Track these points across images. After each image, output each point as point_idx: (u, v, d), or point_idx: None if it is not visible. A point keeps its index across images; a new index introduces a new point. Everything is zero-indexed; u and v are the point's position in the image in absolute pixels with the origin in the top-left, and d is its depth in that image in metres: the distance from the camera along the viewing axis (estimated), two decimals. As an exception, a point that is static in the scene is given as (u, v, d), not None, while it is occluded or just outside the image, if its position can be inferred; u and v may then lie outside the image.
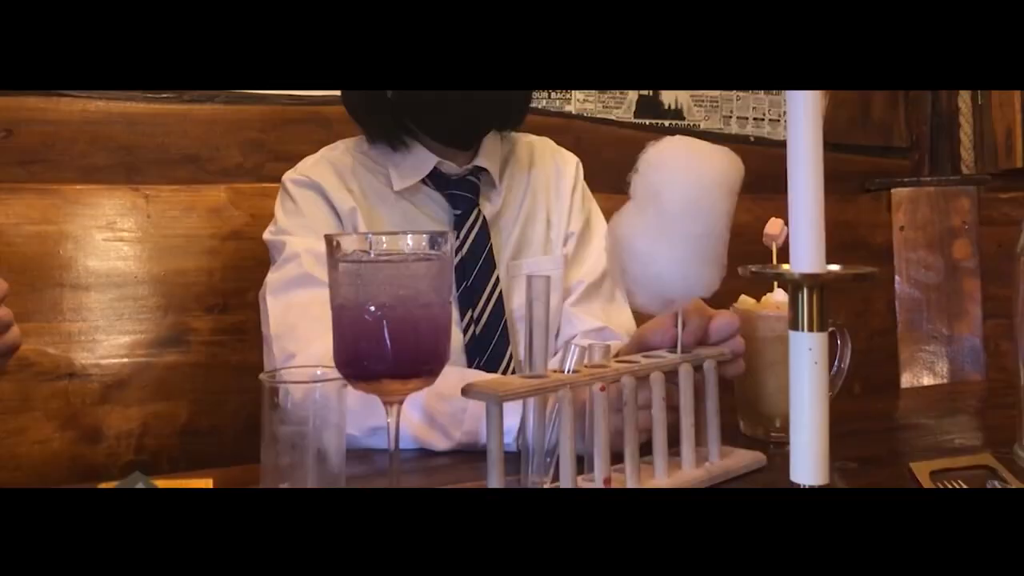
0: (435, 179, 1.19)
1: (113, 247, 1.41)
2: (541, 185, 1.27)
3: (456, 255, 1.15)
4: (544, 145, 1.32)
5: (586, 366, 0.76)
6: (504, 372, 1.15)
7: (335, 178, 1.18)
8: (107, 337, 1.39)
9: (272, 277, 1.14)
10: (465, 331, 1.15)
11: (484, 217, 1.19)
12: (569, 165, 1.30)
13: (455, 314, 1.14)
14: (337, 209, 1.16)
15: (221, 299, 1.46)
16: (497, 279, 1.17)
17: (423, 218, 1.18)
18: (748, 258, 1.06)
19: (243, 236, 1.47)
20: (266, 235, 1.19)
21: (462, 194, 1.19)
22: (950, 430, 1.03)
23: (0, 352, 0.95)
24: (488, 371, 1.13)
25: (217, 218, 1.46)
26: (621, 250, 0.84)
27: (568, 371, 0.75)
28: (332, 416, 0.70)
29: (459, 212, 1.18)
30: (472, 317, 1.15)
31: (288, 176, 1.21)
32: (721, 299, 1.10)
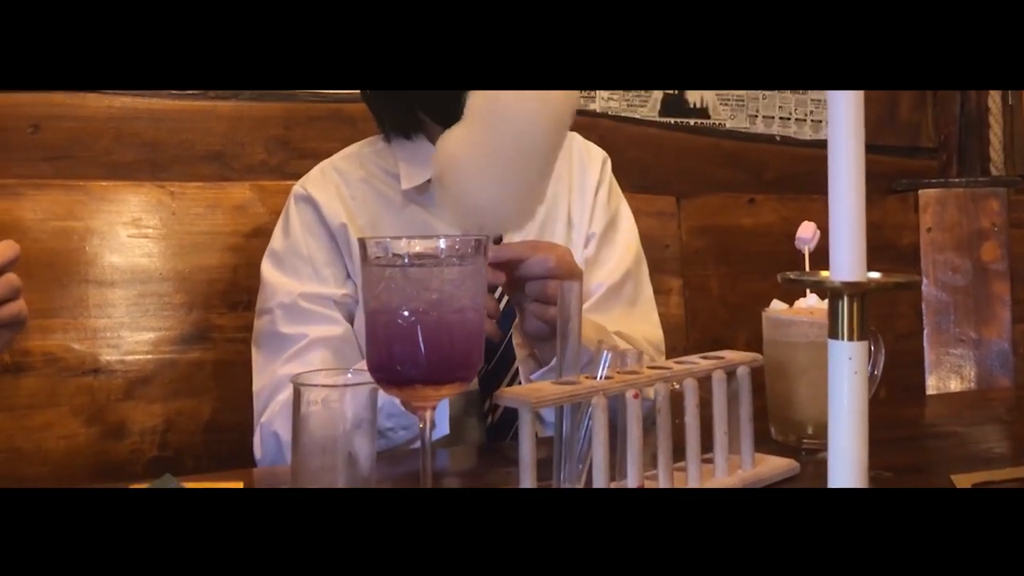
0: None
1: (138, 243, 1.41)
2: (564, 183, 1.22)
3: None
4: (570, 140, 1.26)
5: (618, 372, 0.75)
6: (512, 377, 1.10)
7: (334, 190, 1.19)
8: (132, 333, 1.39)
9: (256, 324, 1.21)
10: None
11: None
12: (595, 161, 1.26)
13: None
14: (329, 224, 1.18)
15: (245, 296, 1.45)
16: None
17: (433, 220, 1.16)
18: (774, 259, 1.06)
19: (267, 233, 1.46)
20: (264, 260, 1.23)
21: None
22: (984, 439, 1.02)
23: (6, 322, 0.89)
24: (494, 376, 1.10)
25: (241, 215, 1.46)
26: (445, 162, 0.83)
27: (600, 377, 0.74)
28: (363, 420, 0.69)
29: None
30: None
31: (295, 187, 1.23)
32: (747, 303, 1.09)
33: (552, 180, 1.20)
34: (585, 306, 1.18)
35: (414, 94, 1.13)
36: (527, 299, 0.93)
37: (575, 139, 1.28)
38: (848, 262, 0.62)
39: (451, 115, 1.10)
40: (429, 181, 1.15)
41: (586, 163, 1.25)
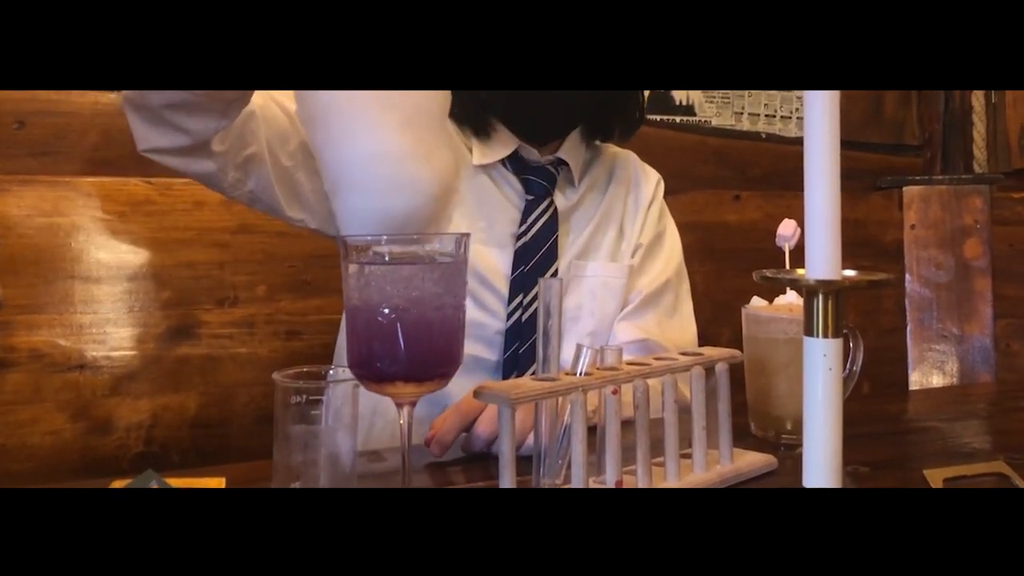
0: (513, 162, 1.20)
1: (124, 240, 1.41)
2: (620, 193, 1.27)
3: (519, 240, 1.17)
4: (628, 157, 1.32)
5: (598, 368, 0.76)
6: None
7: None
8: (117, 329, 1.39)
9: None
10: (510, 315, 1.15)
11: (556, 208, 1.20)
12: (650, 181, 1.31)
13: (504, 297, 1.15)
14: None
15: (231, 292, 1.46)
16: (555, 272, 1.18)
17: (497, 196, 1.19)
18: (758, 255, 1.07)
19: (253, 230, 1.48)
20: None
21: (537, 180, 1.20)
22: (961, 434, 1.03)
23: None
24: (524, 361, 1.13)
25: (227, 212, 1.47)
26: (317, 121, 0.68)
27: (580, 374, 0.75)
28: (344, 416, 0.70)
29: (531, 198, 1.19)
30: (521, 303, 1.15)
31: None
32: (732, 299, 1.10)
33: (610, 188, 1.26)
34: (622, 312, 1.23)
35: (488, 98, 1.16)
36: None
37: (631, 157, 1.33)
38: (823, 260, 0.63)
39: (517, 120, 1.16)
40: (498, 161, 1.20)
41: (641, 181, 1.30)
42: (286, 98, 1.08)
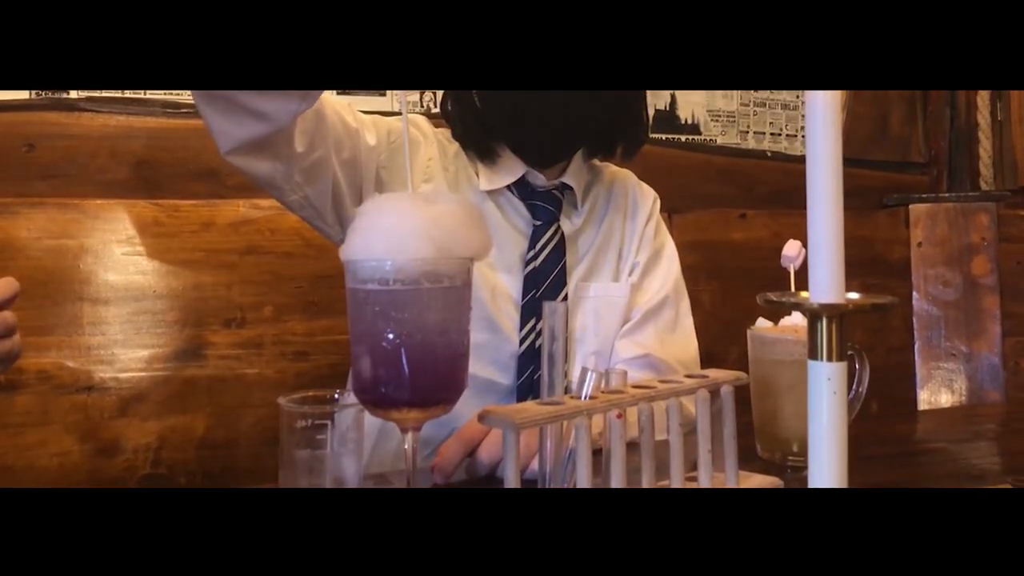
0: (520, 188, 1.21)
1: (132, 261, 1.42)
2: (619, 214, 1.28)
3: (528, 265, 1.18)
4: (626, 177, 1.33)
5: (603, 392, 0.76)
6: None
7: (436, 145, 1.22)
8: (125, 351, 1.40)
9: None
10: (523, 340, 1.15)
11: (563, 233, 1.21)
12: (647, 199, 1.32)
13: (516, 321, 1.16)
14: (416, 144, 1.20)
15: (239, 313, 1.47)
16: (566, 296, 1.18)
17: (503, 222, 1.20)
18: (764, 274, 1.07)
19: (261, 251, 1.49)
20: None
21: (544, 206, 1.21)
22: (970, 455, 1.02)
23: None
24: (540, 385, 1.13)
25: (235, 233, 1.47)
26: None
27: (584, 397, 0.74)
28: (350, 441, 0.70)
29: (539, 223, 1.20)
30: (533, 328, 1.16)
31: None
32: (738, 321, 1.10)
33: (609, 209, 1.28)
34: (622, 330, 1.23)
35: (489, 119, 1.17)
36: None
37: (629, 179, 1.33)
38: (826, 284, 0.63)
39: (521, 143, 1.16)
40: (505, 187, 1.20)
41: (638, 200, 1.31)
42: (340, 107, 1.11)
